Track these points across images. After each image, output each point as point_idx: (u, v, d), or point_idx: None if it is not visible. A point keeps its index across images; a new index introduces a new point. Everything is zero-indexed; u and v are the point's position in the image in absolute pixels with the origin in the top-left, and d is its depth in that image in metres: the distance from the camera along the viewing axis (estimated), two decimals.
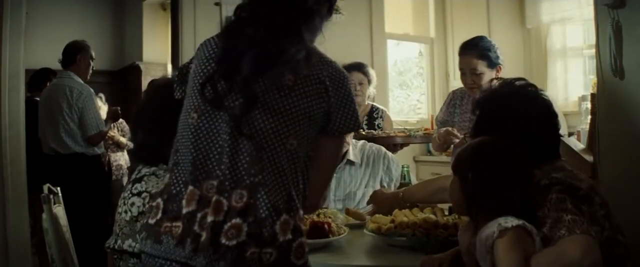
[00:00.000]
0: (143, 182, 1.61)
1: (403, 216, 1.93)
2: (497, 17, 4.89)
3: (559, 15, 4.74)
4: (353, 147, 2.55)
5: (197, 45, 4.40)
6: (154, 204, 1.32)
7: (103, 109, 4.43)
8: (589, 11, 3.92)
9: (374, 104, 4.08)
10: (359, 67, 4.03)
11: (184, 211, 1.25)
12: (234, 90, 1.27)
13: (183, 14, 3.84)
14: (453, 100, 2.95)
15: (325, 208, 2.11)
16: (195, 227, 1.22)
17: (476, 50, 2.70)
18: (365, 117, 3.93)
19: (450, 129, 2.74)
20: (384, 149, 2.63)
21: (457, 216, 1.89)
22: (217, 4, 3.93)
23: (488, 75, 2.66)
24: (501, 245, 1.31)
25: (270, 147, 1.26)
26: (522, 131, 1.50)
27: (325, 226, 1.84)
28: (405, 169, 2.33)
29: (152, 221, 1.30)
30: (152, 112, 1.69)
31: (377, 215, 1.99)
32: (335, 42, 4.54)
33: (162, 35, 5.21)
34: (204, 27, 3.88)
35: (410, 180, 2.34)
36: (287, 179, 1.27)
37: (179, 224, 1.25)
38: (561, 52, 4.85)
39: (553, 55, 4.91)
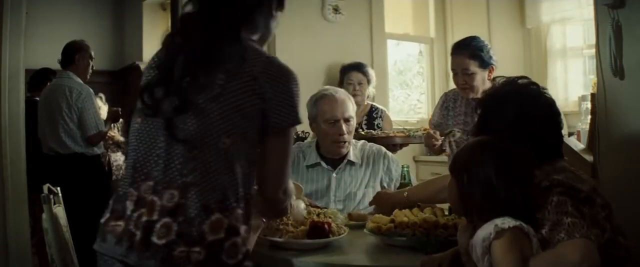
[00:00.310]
0: None
1: (403, 216, 1.93)
2: (497, 17, 4.89)
3: (559, 15, 4.74)
4: (353, 147, 2.55)
5: None
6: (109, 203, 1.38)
7: (103, 109, 4.43)
8: (589, 11, 3.92)
9: (374, 103, 4.08)
10: (358, 67, 4.04)
11: (127, 211, 1.30)
12: (170, 95, 1.31)
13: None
14: (446, 103, 2.93)
15: (325, 208, 2.11)
16: (131, 227, 1.27)
17: (468, 50, 2.67)
18: (365, 117, 3.93)
19: (431, 132, 2.73)
20: (384, 149, 2.63)
21: (457, 216, 1.89)
22: None
23: (480, 76, 2.64)
24: (499, 246, 1.30)
25: (201, 148, 1.28)
26: (525, 130, 1.50)
27: (325, 226, 1.84)
28: (405, 169, 2.33)
29: (102, 220, 1.35)
30: None
31: (377, 215, 1.99)
32: (335, 42, 4.59)
33: (162, 35, 5.22)
34: None
35: (410, 180, 2.34)
36: (219, 178, 1.28)
37: (121, 223, 1.29)
38: (561, 52, 4.85)
39: (553, 55, 4.91)
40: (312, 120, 2.53)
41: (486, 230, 1.35)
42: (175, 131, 1.29)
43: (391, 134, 3.67)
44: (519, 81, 1.62)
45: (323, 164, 2.48)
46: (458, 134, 2.74)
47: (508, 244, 1.30)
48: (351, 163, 2.51)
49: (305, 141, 2.81)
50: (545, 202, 1.37)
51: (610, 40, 2.31)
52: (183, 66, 1.31)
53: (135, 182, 1.32)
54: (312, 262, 1.70)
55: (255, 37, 1.45)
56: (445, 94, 3.00)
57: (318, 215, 1.96)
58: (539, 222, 1.36)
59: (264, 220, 1.71)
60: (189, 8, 1.41)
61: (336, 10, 4.41)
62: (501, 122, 1.53)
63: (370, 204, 2.31)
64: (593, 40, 2.67)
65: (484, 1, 4.89)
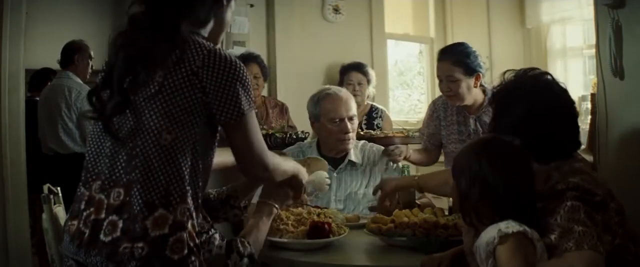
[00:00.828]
0: None
1: (403, 216, 1.93)
2: (497, 17, 4.90)
3: (559, 15, 4.74)
4: (354, 148, 2.55)
5: None
6: None
7: None
8: (589, 11, 3.92)
9: (374, 104, 4.08)
10: (358, 67, 4.03)
11: (81, 210, 1.35)
12: (113, 96, 1.33)
13: None
14: (435, 113, 2.82)
15: (326, 208, 2.11)
16: (82, 225, 1.31)
17: (453, 56, 2.57)
18: (365, 117, 3.93)
19: (390, 148, 2.55)
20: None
21: (457, 216, 1.89)
22: None
23: (465, 83, 2.54)
24: (503, 252, 1.30)
25: (143, 145, 1.29)
26: (539, 123, 1.47)
27: (325, 226, 1.84)
28: (406, 169, 2.33)
29: (64, 221, 1.41)
30: None
31: (377, 215, 1.99)
32: (335, 42, 4.58)
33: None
34: None
35: None
36: (162, 174, 1.29)
37: (75, 222, 1.34)
38: (561, 52, 4.85)
39: (553, 55, 4.91)
40: (315, 119, 2.54)
41: (490, 234, 1.34)
42: (113, 131, 1.32)
43: (390, 135, 3.67)
44: (530, 73, 1.58)
45: (312, 155, 2.48)
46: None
47: (512, 249, 1.29)
48: (352, 163, 2.51)
49: (306, 141, 2.81)
50: (558, 206, 1.35)
51: (610, 40, 2.31)
52: (123, 66, 1.32)
53: (87, 182, 1.36)
54: (312, 262, 1.70)
55: (205, 31, 1.44)
56: (434, 103, 2.88)
57: (318, 215, 1.96)
58: (549, 226, 1.34)
59: (277, 206, 1.74)
60: (135, 8, 1.40)
61: (336, 10, 4.41)
62: (515, 117, 1.49)
63: (374, 191, 2.31)
64: (593, 40, 2.67)
65: (484, 1, 4.89)
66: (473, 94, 2.60)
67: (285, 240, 1.81)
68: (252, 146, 1.39)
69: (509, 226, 1.31)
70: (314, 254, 1.77)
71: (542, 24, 4.89)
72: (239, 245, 1.56)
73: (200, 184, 1.37)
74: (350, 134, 2.47)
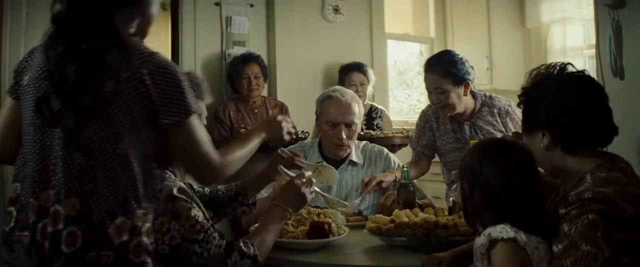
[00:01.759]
0: None
1: (403, 216, 1.93)
2: (497, 17, 4.89)
3: (559, 15, 4.73)
4: (356, 148, 2.55)
5: (197, 45, 4.37)
6: (8, 209, 1.38)
7: None
8: (589, 11, 3.92)
9: (373, 103, 4.09)
10: (359, 68, 4.03)
11: (30, 221, 1.31)
12: (66, 105, 1.32)
13: (183, 14, 3.83)
14: (427, 123, 2.75)
15: (326, 208, 2.12)
16: (38, 237, 1.29)
17: (439, 68, 2.51)
18: (364, 117, 3.93)
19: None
20: (385, 149, 2.63)
21: (457, 216, 1.89)
22: (217, 3, 3.93)
23: (455, 93, 2.50)
24: (498, 257, 1.30)
25: (100, 156, 1.30)
26: (572, 110, 1.42)
27: (325, 226, 1.84)
28: (405, 169, 2.33)
29: (7, 229, 1.36)
30: None
31: (377, 215, 1.99)
32: (335, 42, 4.58)
33: (162, 34, 5.21)
34: (204, 27, 3.88)
35: (410, 180, 2.33)
36: (120, 183, 1.31)
37: (27, 233, 1.31)
38: (561, 52, 4.84)
39: (553, 55, 4.89)
40: (317, 118, 2.54)
41: (483, 238, 1.35)
42: (79, 143, 1.30)
43: (390, 135, 3.68)
44: (552, 68, 1.51)
45: (325, 163, 2.48)
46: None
47: (506, 256, 1.29)
48: (353, 163, 2.51)
49: (307, 140, 2.82)
50: (580, 216, 1.28)
51: (610, 40, 2.31)
52: (76, 77, 1.31)
53: (35, 192, 1.33)
54: (312, 262, 1.70)
55: (132, 28, 1.43)
56: (424, 114, 2.80)
57: (318, 215, 1.96)
58: (561, 233, 1.30)
59: (291, 210, 1.73)
60: (57, 8, 1.38)
61: (336, 10, 4.41)
62: (545, 109, 1.44)
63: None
64: (593, 40, 2.68)
65: (484, 1, 4.88)
66: (464, 102, 2.56)
67: (285, 240, 1.81)
68: (195, 146, 1.40)
69: (502, 231, 1.31)
70: (314, 254, 1.77)
71: (542, 24, 4.88)
72: (242, 245, 1.56)
73: (149, 187, 1.38)
74: (344, 140, 2.43)
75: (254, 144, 1.70)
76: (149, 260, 1.33)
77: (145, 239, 1.32)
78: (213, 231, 1.56)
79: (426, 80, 2.57)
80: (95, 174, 1.29)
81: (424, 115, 2.81)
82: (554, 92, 1.45)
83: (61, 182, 1.30)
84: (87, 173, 1.29)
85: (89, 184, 1.29)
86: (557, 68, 1.49)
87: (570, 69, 1.49)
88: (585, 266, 1.23)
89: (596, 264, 1.22)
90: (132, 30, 1.44)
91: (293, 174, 1.83)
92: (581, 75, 1.49)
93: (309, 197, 1.78)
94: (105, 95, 1.29)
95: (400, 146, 3.71)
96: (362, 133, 3.52)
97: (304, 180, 1.77)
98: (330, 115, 2.44)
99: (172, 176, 1.64)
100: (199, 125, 1.41)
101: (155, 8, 1.48)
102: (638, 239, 1.26)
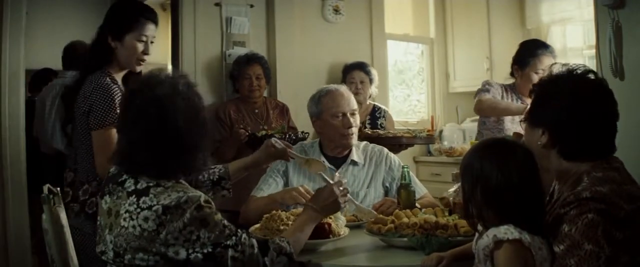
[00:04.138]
0: (151, 196, 1.50)
1: (403, 216, 1.93)
2: (497, 17, 4.89)
3: (559, 16, 4.73)
4: (356, 148, 2.56)
5: (197, 46, 4.40)
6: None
7: None
8: (589, 11, 3.92)
9: (376, 103, 4.08)
10: (360, 66, 4.04)
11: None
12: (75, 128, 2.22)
13: (183, 14, 3.83)
14: (507, 92, 3.30)
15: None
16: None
17: (553, 51, 3.12)
18: (368, 117, 3.94)
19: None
20: (386, 149, 2.64)
21: (457, 216, 1.89)
22: (217, 4, 3.93)
23: None
24: (501, 259, 1.30)
25: (83, 149, 2.15)
26: (579, 119, 1.41)
27: (325, 226, 1.84)
28: (406, 169, 2.33)
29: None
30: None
31: (377, 215, 1.99)
32: (335, 42, 4.57)
33: (162, 35, 5.22)
34: (204, 27, 3.88)
35: (410, 180, 2.33)
36: (89, 164, 2.13)
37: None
38: (561, 52, 4.83)
39: None
40: (316, 118, 2.54)
41: (487, 239, 1.34)
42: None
43: (398, 134, 3.66)
44: (575, 71, 1.49)
45: (326, 163, 2.49)
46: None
47: (510, 257, 1.29)
48: (354, 163, 2.52)
49: (306, 141, 2.82)
50: (579, 216, 1.29)
51: (610, 41, 2.31)
52: (75, 115, 2.19)
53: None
54: (313, 263, 1.70)
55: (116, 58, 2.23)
56: (503, 86, 3.35)
57: None
58: (562, 234, 1.30)
59: (323, 214, 1.79)
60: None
61: (336, 10, 4.41)
62: (553, 110, 1.44)
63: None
64: (593, 41, 2.68)
65: (484, 1, 4.88)
66: None
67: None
68: (98, 152, 2.05)
69: (507, 232, 1.30)
70: (314, 254, 1.77)
71: (542, 24, 4.88)
72: (279, 242, 1.60)
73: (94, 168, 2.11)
74: (353, 129, 2.49)
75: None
76: (87, 209, 2.10)
77: (91, 198, 2.10)
78: (242, 232, 1.56)
79: (542, 62, 3.10)
80: (80, 159, 2.17)
81: (503, 87, 3.34)
82: (567, 97, 1.44)
83: (72, 164, 2.23)
84: (76, 159, 2.22)
85: (76, 165, 2.21)
86: (579, 72, 1.47)
87: (590, 77, 1.47)
88: (589, 265, 1.23)
89: (599, 262, 1.23)
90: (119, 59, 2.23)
91: (331, 181, 1.88)
92: (599, 86, 1.47)
93: (343, 206, 1.86)
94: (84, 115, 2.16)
95: (406, 146, 3.70)
96: (369, 133, 3.52)
97: (342, 188, 1.84)
98: (335, 107, 2.48)
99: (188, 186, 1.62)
100: (109, 135, 2.02)
101: (133, 42, 2.23)
102: (635, 237, 1.28)
